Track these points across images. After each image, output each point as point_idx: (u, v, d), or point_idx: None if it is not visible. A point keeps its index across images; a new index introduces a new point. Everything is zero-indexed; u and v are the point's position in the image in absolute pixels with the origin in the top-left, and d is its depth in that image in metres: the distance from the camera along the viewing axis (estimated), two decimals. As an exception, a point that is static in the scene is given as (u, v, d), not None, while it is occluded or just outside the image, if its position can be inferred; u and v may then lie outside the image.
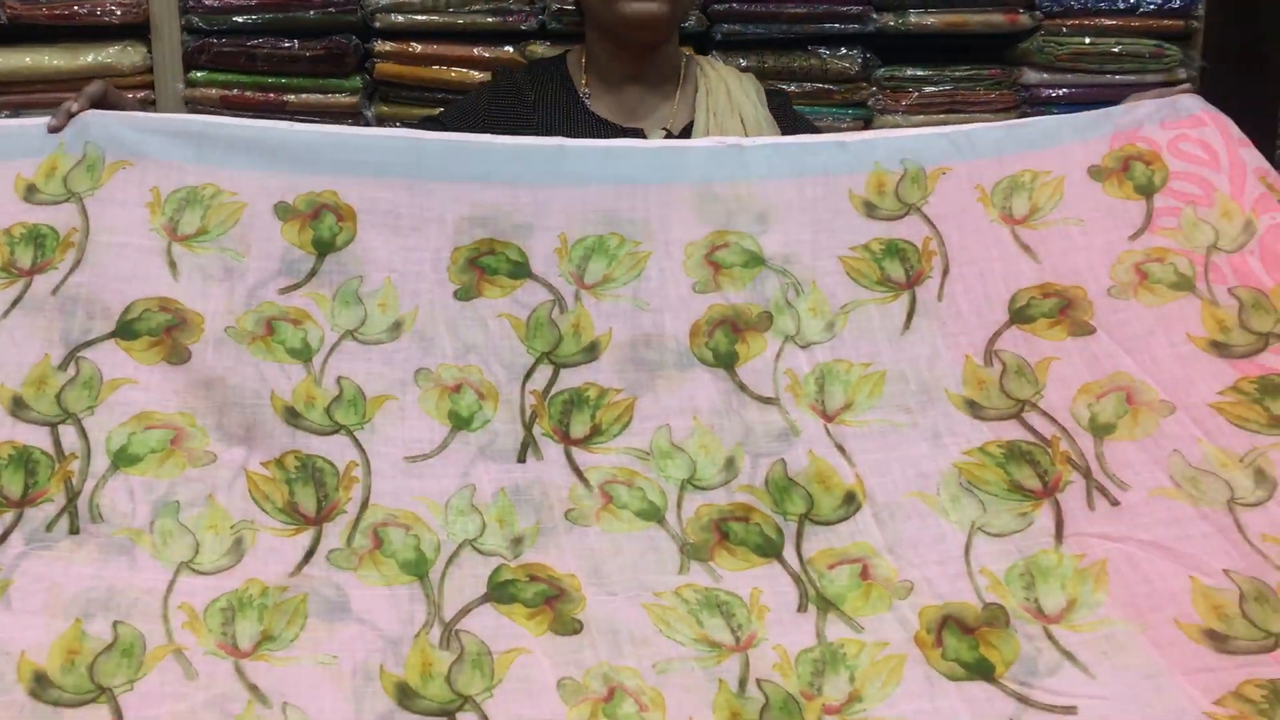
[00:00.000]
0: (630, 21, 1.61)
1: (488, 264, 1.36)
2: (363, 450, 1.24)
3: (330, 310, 1.32)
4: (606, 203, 1.39)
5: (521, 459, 1.25)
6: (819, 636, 1.11)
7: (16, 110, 2.09)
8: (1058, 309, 1.33)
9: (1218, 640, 1.08)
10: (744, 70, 1.82)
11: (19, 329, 1.26)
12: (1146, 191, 1.40)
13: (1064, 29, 2.36)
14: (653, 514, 1.21)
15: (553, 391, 1.29)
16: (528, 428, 1.27)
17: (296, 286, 1.33)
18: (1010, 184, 1.41)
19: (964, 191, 1.41)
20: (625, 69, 1.70)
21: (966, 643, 1.10)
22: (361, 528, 1.19)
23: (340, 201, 1.37)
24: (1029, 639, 1.10)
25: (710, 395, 1.29)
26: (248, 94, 2.18)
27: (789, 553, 1.19)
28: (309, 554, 1.17)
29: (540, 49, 2.18)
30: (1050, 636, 1.10)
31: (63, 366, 1.24)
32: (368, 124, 2.19)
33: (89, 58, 2.12)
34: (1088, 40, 2.37)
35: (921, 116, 2.32)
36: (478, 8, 2.19)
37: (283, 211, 1.36)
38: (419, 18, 2.18)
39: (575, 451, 1.26)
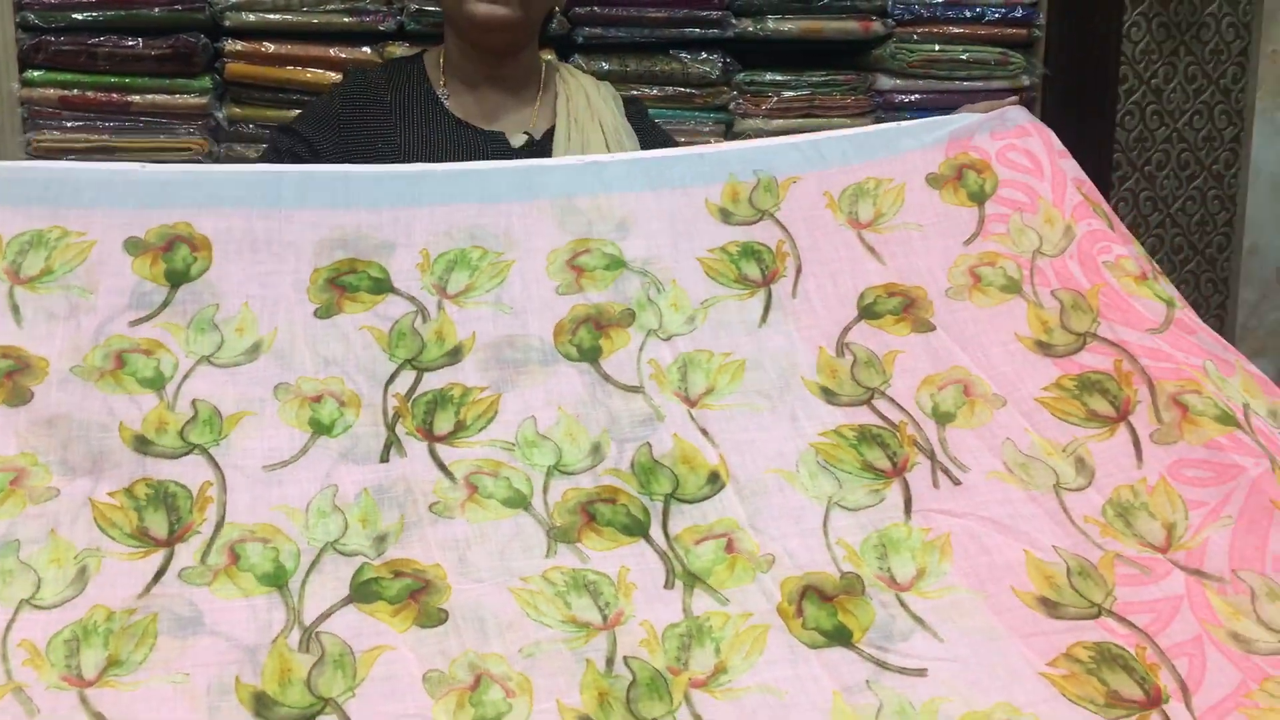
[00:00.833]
0: (479, 24, 1.63)
1: (348, 282, 1.34)
2: (218, 468, 1.19)
3: (185, 338, 1.27)
4: (469, 219, 1.39)
5: (385, 459, 1.22)
6: (685, 611, 1.13)
7: None
8: (901, 307, 1.41)
9: (1050, 607, 1.15)
10: (605, 75, 1.86)
11: None
12: (978, 199, 1.49)
13: (915, 36, 2.47)
14: (519, 501, 1.21)
15: (416, 393, 1.28)
16: (390, 428, 1.25)
17: (148, 318, 1.28)
18: (856, 190, 1.49)
19: (813, 198, 1.48)
20: (481, 71, 1.72)
21: (826, 610, 1.14)
22: (217, 546, 1.13)
23: (195, 232, 1.32)
24: (883, 606, 1.14)
25: (575, 388, 1.30)
26: (89, 94, 2.10)
27: (655, 531, 1.20)
28: (159, 573, 1.10)
29: (399, 50, 2.15)
30: (903, 603, 1.15)
31: None
32: (217, 125, 2.12)
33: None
34: (937, 47, 2.49)
35: (780, 121, 2.38)
36: (333, 7, 2.15)
37: (133, 247, 1.30)
38: (271, 16, 2.13)
39: (439, 448, 1.24)
